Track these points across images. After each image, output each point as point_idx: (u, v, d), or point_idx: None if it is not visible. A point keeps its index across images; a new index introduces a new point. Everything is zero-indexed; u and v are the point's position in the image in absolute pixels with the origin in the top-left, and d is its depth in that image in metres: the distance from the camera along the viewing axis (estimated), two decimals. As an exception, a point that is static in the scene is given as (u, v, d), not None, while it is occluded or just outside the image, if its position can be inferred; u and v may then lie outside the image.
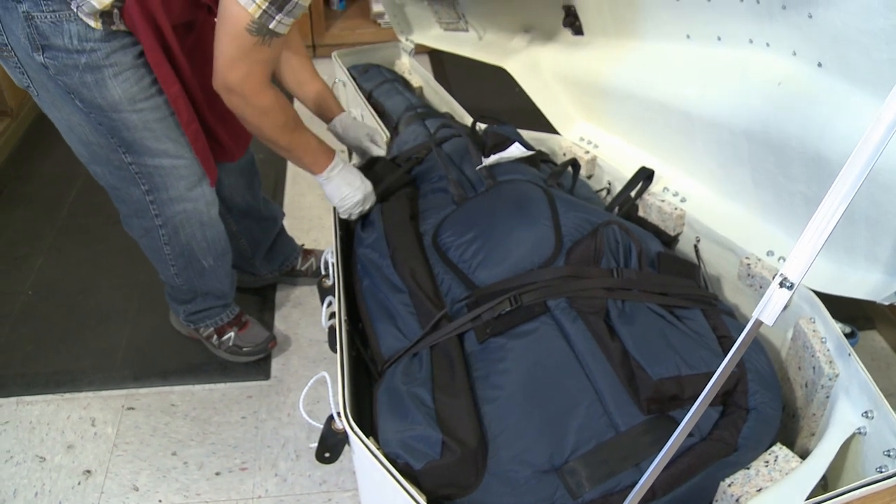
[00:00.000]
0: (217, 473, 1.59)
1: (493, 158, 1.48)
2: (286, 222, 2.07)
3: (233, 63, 1.22)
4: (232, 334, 1.84)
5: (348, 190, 1.45)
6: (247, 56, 1.21)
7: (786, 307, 1.23)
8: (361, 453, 0.97)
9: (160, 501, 1.53)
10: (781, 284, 0.72)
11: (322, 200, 2.50)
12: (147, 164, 1.45)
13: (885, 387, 1.73)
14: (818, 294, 1.18)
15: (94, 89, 1.32)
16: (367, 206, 1.49)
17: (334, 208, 1.48)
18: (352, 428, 0.99)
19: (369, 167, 1.58)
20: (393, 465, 0.94)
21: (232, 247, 1.82)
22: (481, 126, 1.72)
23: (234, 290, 1.84)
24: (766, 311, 0.73)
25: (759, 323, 0.73)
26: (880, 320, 1.89)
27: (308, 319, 2.00)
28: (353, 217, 1.48)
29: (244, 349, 1.84)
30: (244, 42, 1.19)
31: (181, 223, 1.55)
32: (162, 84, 1.37)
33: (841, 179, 0.70)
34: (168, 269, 1.66)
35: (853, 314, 1.91)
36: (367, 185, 1.48)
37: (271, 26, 1.18)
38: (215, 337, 1.84)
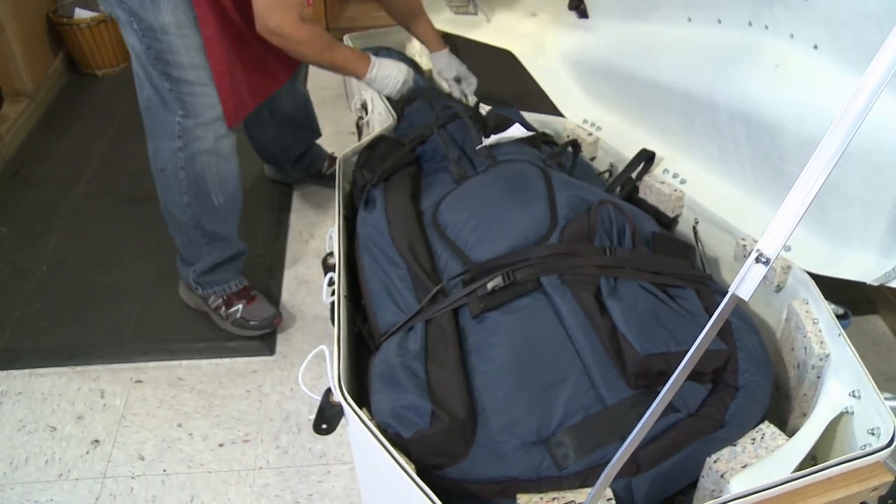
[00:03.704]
0: (220, 445, 1.62)
1: (493, 139, 1.50)
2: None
3: (269, 10, 1.49)
4: (240, 307, 1.88)
5: (390, 80, 1.74)
6: (279, 2, 1.48)
7: (780, 289, 1.26)
8: (354, 423, 1.00)
9: (165, 471, 1.57)
10: (758, 260, 0.73)
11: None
12: (183, 90, 1.60)
13: (886, 370, 1.74)
14: (815, 276, 1.19)
15: (150, 10, 1.49)
16: (411, 83, 1.79)
17: (337, 195, 1.51)
18: (344, 398, 1.01)
19: (374, 146, 1.60)
20: (383, 435, 0.96)
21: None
22: (485, 107, 1.74)
23: (241, 247, 1.92)
24: (743, 286, 0.74)
25: (735, 298, 0.74)
26: (882, 305, 1.89)
27: (314, 297, 2.03)
28: (400, 95, 1.79)
29: (251, 322, 1.87)
30: None
31: (198, 150, 1.68)
32: (200, 21, 1.53)
33: (817, 156, 0.71)
34: (181, 199, 1.74)
35: (855, 298, 1.91)
36: (403, 68, 1.76)
37: None
38: (223, 308, 1.89)
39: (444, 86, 2.01)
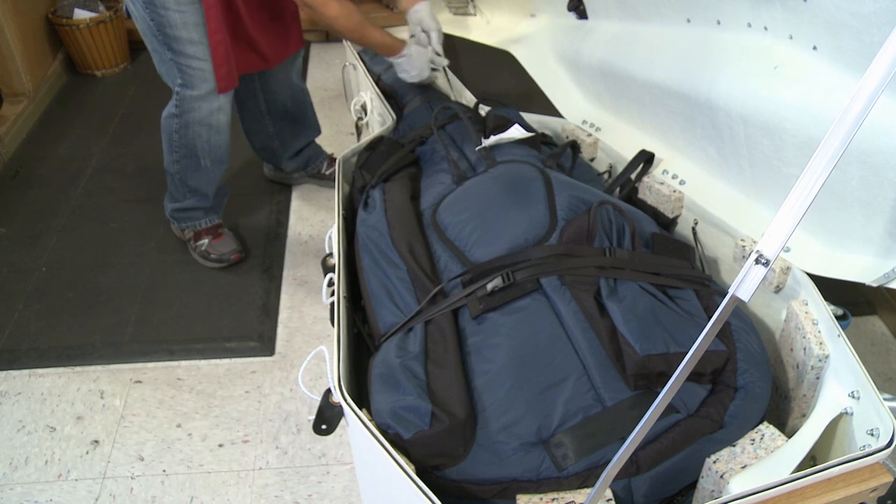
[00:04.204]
0: (220, 445, 1.63)
1: (492, 139, 1.50)
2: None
3: None
4: (206, 241, 2.14)
5: (408, 76, 1.90)
6: None
7: (779, 290, 1.26)
8: (354, 424, 1.00)
9: (164, 471, 1.57)
10: (757, 261, 0.73)
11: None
12: (181, 62, 1.76)
13: (885, 371, 1.74)
14: (815, 277, 1.19)
15: None
16: (429, 82, 1.94)
17: (336, 196, 1.51)
18: (345, 399, 1.01)
19: (373, 147, 1.60)
20: (383, 436, 0.96)
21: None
22: (484, 108, 1.74)
23: (218, 201, 2.12)
24: (742, 287, 0.74)
25: (735, 298, 0.74)
26: (881, 306, 1.89)
27: (314, 298, 2.03)
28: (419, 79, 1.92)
29: (211, 256, 2.13)
30: None
31: (192, 120, 1.83)
32: None
33: (817, 157, 0.71)
34: (171, 155, 1.96)
35: (855, 299, 1.92)
36: (426, 72, 1.89)
37: None
38: (193, 241, 2.11)
39: (423, 38, 1.97)
